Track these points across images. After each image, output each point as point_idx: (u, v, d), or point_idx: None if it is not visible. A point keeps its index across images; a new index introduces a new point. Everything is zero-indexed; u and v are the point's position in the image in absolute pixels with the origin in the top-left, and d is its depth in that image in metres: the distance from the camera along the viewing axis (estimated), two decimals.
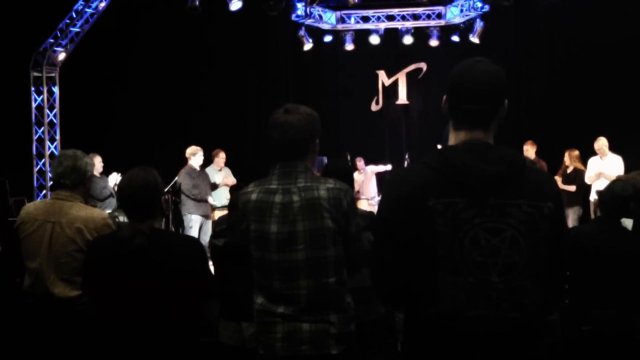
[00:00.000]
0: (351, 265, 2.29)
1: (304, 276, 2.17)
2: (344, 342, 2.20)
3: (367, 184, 9.94)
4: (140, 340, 2.22)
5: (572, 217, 7.99)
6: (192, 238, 2.61)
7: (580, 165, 8.08)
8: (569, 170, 8.15)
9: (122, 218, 7.93)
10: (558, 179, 7.91)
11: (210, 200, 7.66)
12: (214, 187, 7.88)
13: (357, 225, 2.28)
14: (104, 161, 7.52)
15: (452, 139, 1.70)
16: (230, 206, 3.30)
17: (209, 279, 2.36)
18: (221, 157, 8.25)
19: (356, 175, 9.65)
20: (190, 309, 2.29)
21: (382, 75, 11.93)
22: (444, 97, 1.71)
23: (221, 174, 8.19)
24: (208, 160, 8.14)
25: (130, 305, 2.22)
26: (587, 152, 8.14)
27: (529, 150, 8.33)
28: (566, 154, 8.18)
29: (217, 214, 7.66)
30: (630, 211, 3.19)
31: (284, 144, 2.23)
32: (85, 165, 3.03)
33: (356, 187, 9.47)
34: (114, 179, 7.34)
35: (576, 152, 8.15)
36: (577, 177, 8.01)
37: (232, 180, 8.15)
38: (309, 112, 2.27)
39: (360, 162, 10.14)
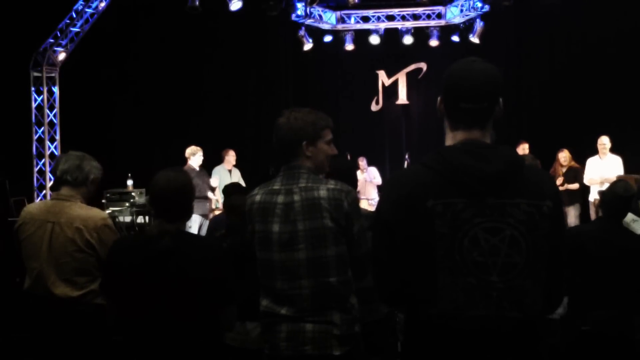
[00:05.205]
0: (357, 267, 2.29)
1: (305, 275, 2.18)
2: (347, 344, 2.20)
3: (369, 185, 9.94)
4: (161, 343, 2.21)
5: (573, 215, 8.00)
6: (216, 241, 2.60)
7: (575, 164, 8.11)
8: (565, 170, 8.16)
9: (122, 218, 7.94)
10: (559, 180, 7.91)
11: (211, 195, 7.67)
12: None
13: (361, 226, 2.28)
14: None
15: (449, 140, 1.70)
16: (229, 208, 3.28)
17: (231, 284, 2.35)
18: (231, 155, 8.31)
19: (358, 174, 9.65)
20: (212, 313, 2.29)
21: (382, 75, 11.92)
22: (439, 97, 1.71)
23: (234, 176, 8.19)
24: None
25: (151, 308, 2.21)
26: (587, 152, 8.14)
27: (526, 149, 8.37)
28: (560, 155, 8.21)
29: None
30: (632, 212, 3.19)
31: (276, 146, 2.31)
32: (90, 168, 3.05)
33: (358, 187, 9.45)
34: None
35: (567, 153, 8.21)
36: (576, 175, 8.02)
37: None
38: (300, 116, 2.29)
39: (362, 162, 10.13)
